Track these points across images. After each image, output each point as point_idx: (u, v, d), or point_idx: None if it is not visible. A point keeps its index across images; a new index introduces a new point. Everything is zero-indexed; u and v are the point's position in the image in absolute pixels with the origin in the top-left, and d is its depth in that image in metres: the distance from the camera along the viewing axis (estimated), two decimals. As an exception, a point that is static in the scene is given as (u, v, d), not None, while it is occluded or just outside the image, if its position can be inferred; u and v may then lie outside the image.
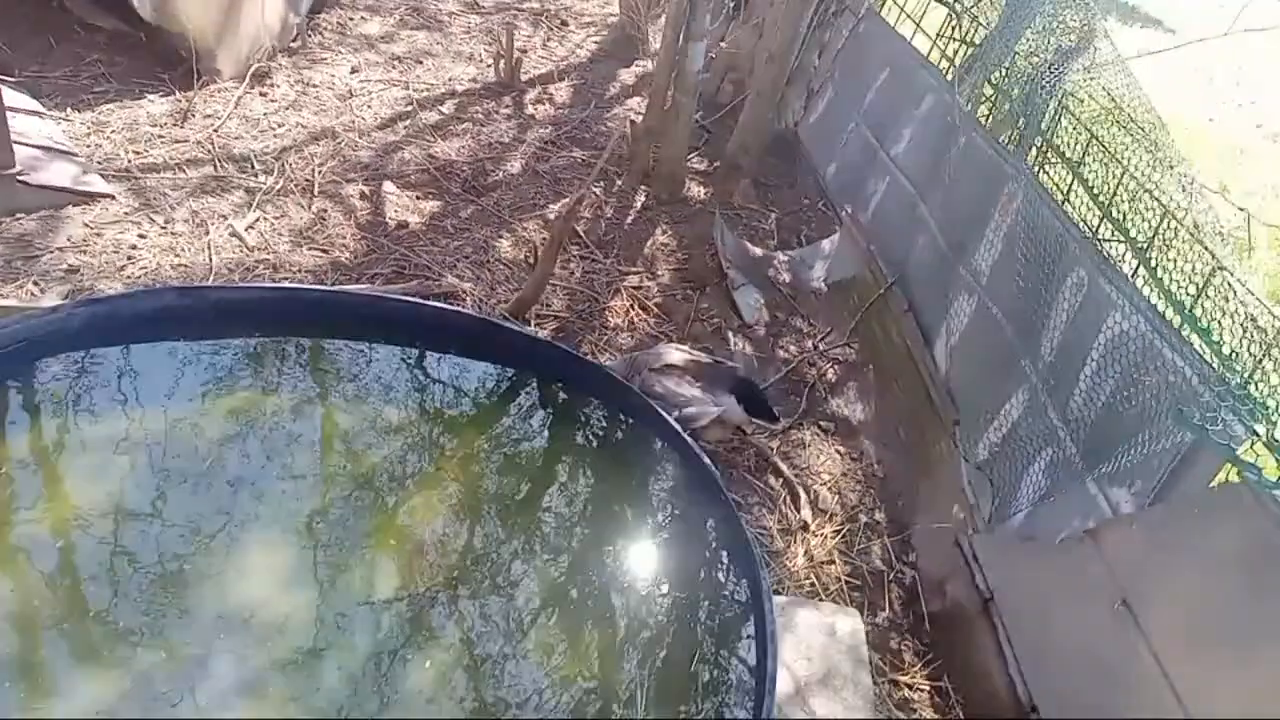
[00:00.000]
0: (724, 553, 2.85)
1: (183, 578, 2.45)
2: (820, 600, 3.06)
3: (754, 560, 2.63)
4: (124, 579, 2.48)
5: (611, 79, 7.02)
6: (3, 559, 2.43)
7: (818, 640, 2.80)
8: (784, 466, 3.59)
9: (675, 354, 3.39)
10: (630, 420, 3.24)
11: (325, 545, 2.65)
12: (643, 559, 2.84)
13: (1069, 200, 3.56)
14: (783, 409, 3.91)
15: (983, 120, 4.44)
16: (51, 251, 3.95)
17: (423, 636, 2.47)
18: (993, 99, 4.50)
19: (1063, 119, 3.74)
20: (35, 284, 3.75)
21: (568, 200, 4.44)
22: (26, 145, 4.26)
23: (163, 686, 2.19)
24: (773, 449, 3.68)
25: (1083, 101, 3.71)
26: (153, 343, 3.25)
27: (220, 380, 3.22)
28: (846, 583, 3.21)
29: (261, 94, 5.70)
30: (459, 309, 3.80)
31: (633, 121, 5.95)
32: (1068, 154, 3.65)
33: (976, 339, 3.83)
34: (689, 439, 3.05)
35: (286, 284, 3.91)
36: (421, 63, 6.69)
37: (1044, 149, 3.83)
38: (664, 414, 3.09)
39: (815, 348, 4.46)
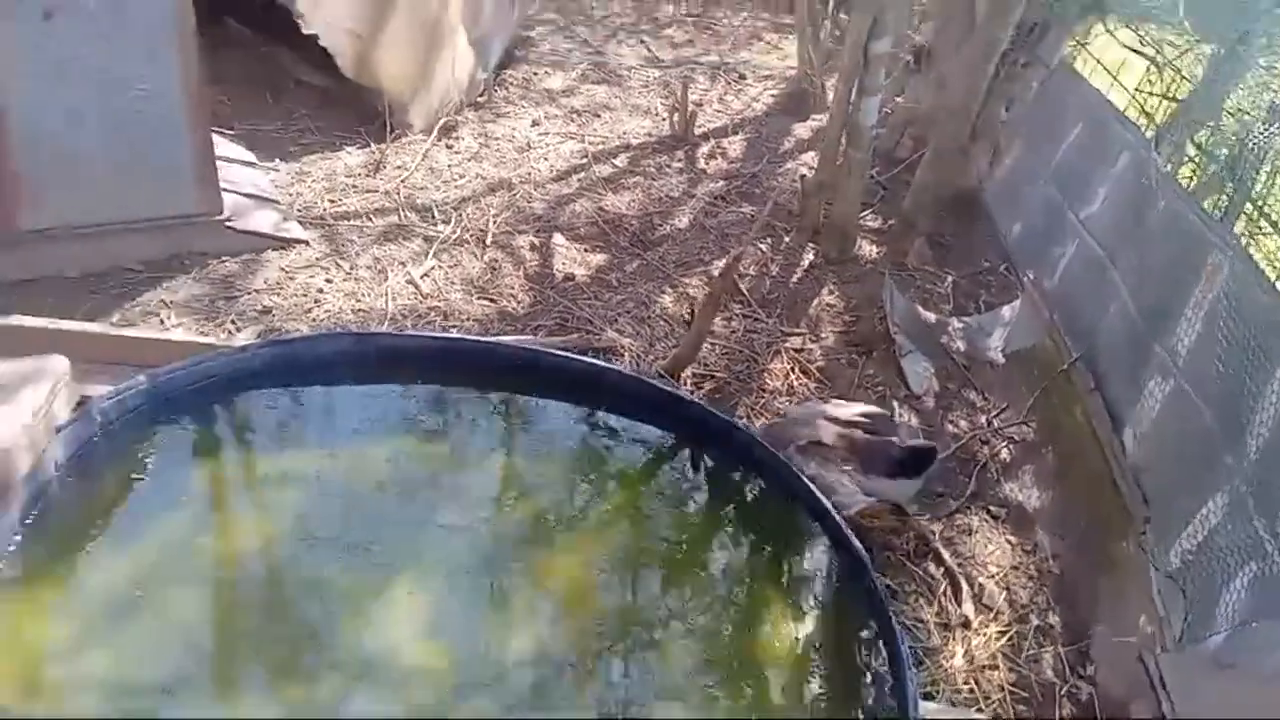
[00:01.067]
0: (869, 646, 2.68)
1: (336, 617, 2.55)
2: (979, 711, 2.79)
3: (902, 658, 2.44)
4: (286, 613, 2.62)
5: (786, 133, 6.95)
6: (172, 589, 2.59)
7: (971, 758, 2.56)
8: (946, 553, 3.33)
9: (827, 429, 3.23)
10: (781, 495, 3.12)
11: (477, 593, 2.72)
12: (781, 646, 2.70)
13: (1284, 277, 3.19)
14: (948, 490, 3.67)
15: (1185, 183, 4.08)
16: (249, 293, 4.26)
17: (570, 684, 2.50)
18: (1197, 160, 4.14)
19: (1277, 184, 3.38)
20: (233, 323, 4.05)
21: (728, 257, 4.37)
22: (235, 193, 4.64)
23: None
24: (934, 533, 3.43)
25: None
26: (327, 385, 3.46)
27: (385, 424, 3.38)
28: (1011, 693, 2.91)
29: (448, 146, 6.00)
30: (612, 365, 3.81)
31: (804, 176, 5.85)
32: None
33: (1171, 426, 3.46)
34: (840, 518, 2.90)
35: (447, 333, 4.06)
36: (599, 116, 6.86)
37: (1255, 217, 3.49)
38: (816, 492, 2.96)
39: (989, 424, 4.16)
